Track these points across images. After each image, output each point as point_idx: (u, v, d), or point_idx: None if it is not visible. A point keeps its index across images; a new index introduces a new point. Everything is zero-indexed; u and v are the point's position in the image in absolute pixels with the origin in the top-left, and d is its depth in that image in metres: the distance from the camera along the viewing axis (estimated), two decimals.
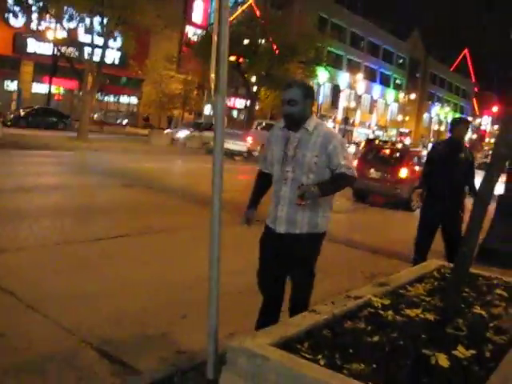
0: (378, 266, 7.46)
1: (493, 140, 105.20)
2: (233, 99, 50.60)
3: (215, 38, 3.07)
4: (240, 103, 50.66)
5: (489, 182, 3.41)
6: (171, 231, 7.79)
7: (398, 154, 14.44)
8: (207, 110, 44.47)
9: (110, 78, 31.70)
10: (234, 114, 53.13)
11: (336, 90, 46.63)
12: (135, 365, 3.59)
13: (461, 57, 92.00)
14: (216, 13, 3.05)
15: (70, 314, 4.29)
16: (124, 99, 42.64)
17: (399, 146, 18.56)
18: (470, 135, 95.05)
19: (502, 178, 20.63)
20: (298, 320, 3.15)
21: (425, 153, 17.64)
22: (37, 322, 4.10)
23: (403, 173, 13.35)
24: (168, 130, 30.61)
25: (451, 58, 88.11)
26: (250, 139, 24.30)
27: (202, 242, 7.29)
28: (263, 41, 31.43)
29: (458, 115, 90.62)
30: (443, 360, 2.79)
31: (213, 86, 3.22)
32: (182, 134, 29.06)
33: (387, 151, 14.45)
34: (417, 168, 14.06)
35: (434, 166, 6.46)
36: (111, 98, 41.56)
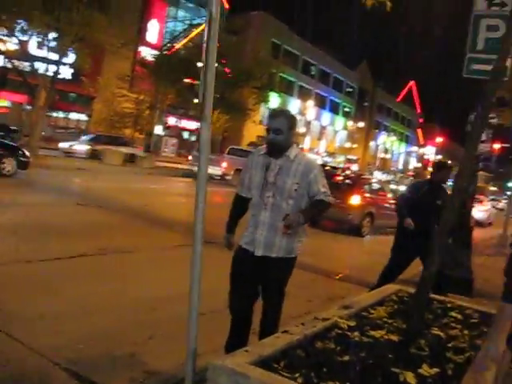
0: (333, 289, 7.67)
1: None
2: (184, 121, 50.73)
3: (202, 63, 3.12)
4: (192, 125, 50.78)
5: (451, 212, 3.65)
6: (127, 252, 7.76)
7: (349, 181, 14.84)
8: (158, 129, 44.36)
9: (60, 93, 31.18)
10: (185, 135, 53.15)
11: None
12: None
13: (407, 88, 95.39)
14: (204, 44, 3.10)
15: (36, 335, 4.25)
16: (73, 116, 41.90)
17: (350, 172, 19.01)
18: (415, 164, 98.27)
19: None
20: (273, 340, 3.26)
21: (374, 180, 18.21)
22: (3, 343, 4.04)
23: (355, 199, 13.72)
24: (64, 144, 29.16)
25: (398, 89, 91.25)
26: (224, 164, 25.49)
27: (157, 263, 7.46)
28: (216, 64, 31.71)
29: (403, 144, 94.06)
30: (411, 378, 2.97)
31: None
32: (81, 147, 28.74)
33: (339, 177, 14.86)
34: (367, 195, 14.52)
35: (411, 206, 6.58)
36: (60, 114, 40.79)
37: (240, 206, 4.07)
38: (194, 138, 51.88)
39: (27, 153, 15.57)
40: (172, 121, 48.24)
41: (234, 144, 51.10)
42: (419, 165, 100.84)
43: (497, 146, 31.73)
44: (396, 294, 5.05)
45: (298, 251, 3.93)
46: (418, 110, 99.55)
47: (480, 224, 21.89)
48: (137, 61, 39.00)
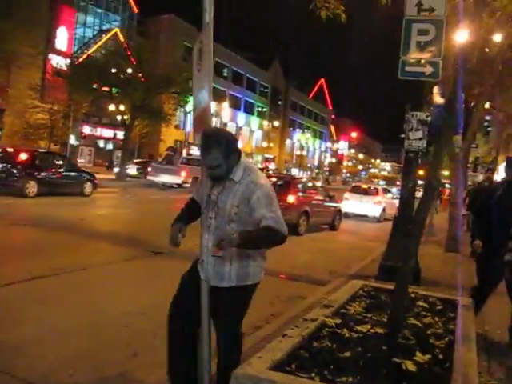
0: (287, 289, 7.87)
1: (350, 163, 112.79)
2: (99, 129, 49.60)
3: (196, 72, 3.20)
4: (108, 133, 49.76)
5: (423, 210, 3.95)
6: (80, 270, 7.59)
7: (283, 182, 15.22)
8: (73, 139, 43.12)
9: None
10: (101, 143, 51.99)
11: None
12: None
13: (318, 86, 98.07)
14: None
15: (20, 364, 4.15)
16: None
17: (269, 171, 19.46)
18: (329, 159, 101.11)
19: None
20: (278, 344, 3.40)
21: (304, 179, 18.66)
22: None
23: (291, 199, 14.08)
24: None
25: (309, 87, 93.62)
26: (183, 173, 27.38)
27: (113, 279, 7.39)
28: (130, 70, 31.38)
29: (318, 141, 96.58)
30: (411, 365, 3.24)
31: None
32: None
33: (273, 179, 15.23)
34: (301, 194, 14.94)
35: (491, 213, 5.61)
36: None
37: (192, 205, 3.65)
38: (110, 147, 50.90)
39: None
40: (87, 130, 47.06)
41: (152, 150, 50.81)
42: (334, 160, 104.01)
43: None
44: (362, 289, 5.34)
45: (257, 278, 3.44)
46: (330, 107, 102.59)
47: None
48: (48, 70, 37.65)
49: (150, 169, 28.81)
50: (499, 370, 4.87)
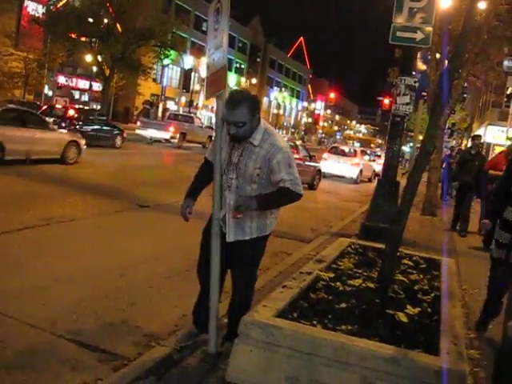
0: (274, 245, 8.07)
1: (326, 124, 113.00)
2: (75, 79, 48.66)
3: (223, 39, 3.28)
4: (83, 84, 48.82)
5: (418, 173, 4.15)
6: (70, 220, 7.68)
7: None
8: (48, 90, 42.29)
9: None
10: (76, 94, 51.04)
11: (187, 74, 46.74)
12: (115, 351, 3.79)
13: (297, 44, 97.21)
14: None
15: (24, 310, 4.28)
16: None
17: None
18: (305, 120, 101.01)
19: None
20: (279, 295, 3.63)
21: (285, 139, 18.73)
22: None
23: None
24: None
25: (289, 45, 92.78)
26: (171, 129, 27.29)
27: (104, 230, 7.54)
28: (106, 20, 30.71)
29: (295, 100, 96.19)
30: (403, 317, 3.51)
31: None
32: None
33: None
34: None
35: None
36: None
37: (205, 171, 3.76)
38: (85, 98, 50.01)
39: None
40: (62, 80, 46.11)
41: (128, 103, 50.14)
42: (310, 120, 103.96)
43: (386, 101, 33.67)
44: (350, 246, 5.60)
45: (273, 227, 3.70)
46: (308, 66, 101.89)
47: (379, 175, 23.39)
48: (23, 16, 36.51)
49: (138, 123, 28.63)
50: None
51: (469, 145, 33.41)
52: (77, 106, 24.71)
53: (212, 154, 3.66)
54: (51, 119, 17.65)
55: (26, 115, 13.56)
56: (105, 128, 21.41)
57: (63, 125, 18.59)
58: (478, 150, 11.03)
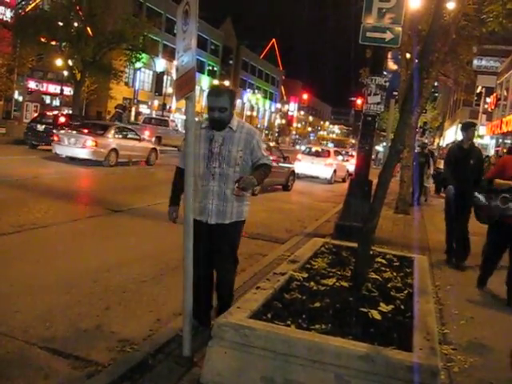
0: (249, 246, 8.06)
1: (299, 125, 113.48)
2: (45, 84, 47.95)
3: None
4: (54, 89, 48.15)
5: (388, 171, 4.19)
6: (42, 227, 7.58)
7: None
8: (16, 95, 41.54)
9: None
10: (47, 99, 50.31)
11: (160, 77, 46.46)
12: (89, 357, 3.74)
13: (269, 46, 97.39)
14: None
15: None
16: None
17: None
18: (278, 121, 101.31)
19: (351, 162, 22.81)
20: (253, 296, 3.63)
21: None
22: None
23: None
24: None
25: (261, 47, 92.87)
26: (147, 133, 27.75)
27: (77, 235, 7.47)
28: (76, 24, 30.37)
29: (268, 102, 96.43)
30: (376, 314, 3.53)
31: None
32: None
33: None
34: None
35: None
36: None
37: (179, 177, 4.05)
38: (57, 103, 49.34)
39: None
40: (32, 85, 45.39)
41: (100, 107, 49.63)
42: (283, 121, 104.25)
43: (359, 101, 34.02)
44: (324, 246, 5.62)
45: (246, 214, 4.20)
46: (281, 68, 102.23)
47: (352, 175, 23.59)
48: None
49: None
50: (450, 321, 5.28)
51: (458, 137, 33.69)
52: (65, 112, 26.39)
53: (183, 161, 3.91)
54: (42, 126, 20.98)
55: (128, 130, 19.94)
56: None
57: (54, 131, 19.27)
58: (471, 144, 7.87)
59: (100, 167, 17.05)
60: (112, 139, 18.11)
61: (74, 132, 17.97)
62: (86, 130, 18.22)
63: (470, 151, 7.69)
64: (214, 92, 3.99)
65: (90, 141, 17.06)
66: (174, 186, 4.15)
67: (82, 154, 17.09)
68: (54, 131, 19.19)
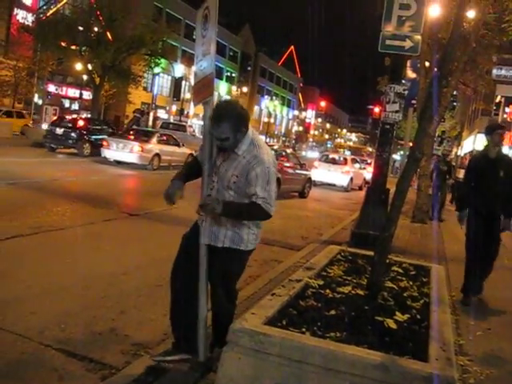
0: (264, 253, 8.06)
1: (316, 132, 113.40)
2: (65, 88, 48.47)
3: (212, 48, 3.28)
4: (73, 93, 48.66)
5: (406, 179, 4.17)
6: (59, 229, 7.64)
7: None
8: (36, 98, 42.05)
9: None
10: (66, 103, 50.83)
11: (178, 82, 46.70)
12: (103, 360, 3.75)
13: (287, 53, 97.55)
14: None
15: (12, 319, 4.25)
16: None
17: None
18: (295, 128, 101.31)
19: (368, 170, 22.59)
20: (268, 302, 3.61)
21: (276, 147, 18.80)
22: None
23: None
24: None
25: (279, 54, 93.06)
26: (164, 138, 28.61)
27: (94, 238, 7.49)
28: (96, 29, 30.72)
29: (285, 108, 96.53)
30: (392, 323, 3.49)
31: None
32: None
33: None
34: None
35: None
36: None
37: (194, 163, 3.80)
38: (76, 107, 49.85)
39: None
40: (52, 88, 45.94)
41: (118, 111, 50.03)
42: (300, 128, 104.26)
43: (377, 109, 33.97)
44: (340, 253, 5.59)
45: (250, 244, 3.57)
46: (299, 75, 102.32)
47: (369, 183, 23.51)
48: (13, 25, 36.38)
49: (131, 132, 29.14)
50: (466, 332, 5.22)
51: (476, 147, 32.94)
52: (84, 116, 27.45)
53: (201, 156, 3.68)
54: (61, 130, 21.53)
55: (169, 137, 21.85)
56: None
57: (73, 135, 21.10)
58: (498, 151, 6.19)
59: (144, 171, 18.92)
60: (155, 145, 19.92)
61: (122, 138, 19.69)
62: (132, 137, 19.84)
63: (497, 161, 6.09)
64: (215, 118, 3.32)
65: (136, 146, 18.96)
66: (186, 164, 3.83)
67: (129, 158, 19.05)
68: (73, 134, 21.01)
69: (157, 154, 19.53)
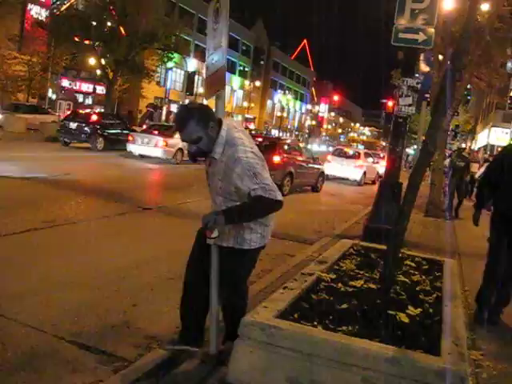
0: (276, 247, 8.05)
1: (330, 126, 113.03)
2: (78, 83, 48.70)
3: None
4: (87, 87, 48.92)
5: (418, 173, 4.14)
6: (72, 223, 7.69)
7: (269, 143, 15.39)
8: (50, 93, 42.31)
9: None
10: (80, 98, 51.09)
11: (191, 77, 46.72)
12: (116, 353, 3.78)
13: (300, 47, 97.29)
14: None
15: (27, 312, 4.29)
16: None
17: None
18: (308, 122, 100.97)
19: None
20: (280, 296, 3.62)
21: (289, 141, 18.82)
22: None
23: (277, 160, 14.26)
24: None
25: (292, 48, 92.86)
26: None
27: (107, 232, 7.54)
28: (109, 23, 30.84)
29: (298, 103, 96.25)
30: (404, 317, 3.49)
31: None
32: None
33: (259, 139, 15.42)
34: (286, 156, 15.14)
35: None
36: None
37: None
38: (89, 101, 50.11)
39: None
40: (66, 83, 46.18)
41: (131, 106, 50.21)
42: (313, 122, 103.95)
43: (390, 103, 33.74)
44: (352, 248, 5.58)
45: (255, 243, 3.46)
46: (312, 69, 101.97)
47: (382, 177, 23.40)
48: (27, 20, 36.61)
49: (144, 126, 29.28)
50: (479, 326, 5.19)
51: (490, 141, 31.89)
52: (97, 111, 27.65)
53: None
54: (75, 124, 21.65)
55: None
56: (125, 132, 22.76)
57: (86, 129, 21.39)
58: None
59: (165, 165, 19.27)
60: (179, 140, 19.08)
61: (147, 133, 20.38)
62: (156, 132, 20.31)
63: None
64: (178, 123, 3.23)
65: (161, 141, 19.60)
66: None
67: (154, 152, 19.69)
68: (86, 129, 21.33)
69: (180, 149, 19.90)
